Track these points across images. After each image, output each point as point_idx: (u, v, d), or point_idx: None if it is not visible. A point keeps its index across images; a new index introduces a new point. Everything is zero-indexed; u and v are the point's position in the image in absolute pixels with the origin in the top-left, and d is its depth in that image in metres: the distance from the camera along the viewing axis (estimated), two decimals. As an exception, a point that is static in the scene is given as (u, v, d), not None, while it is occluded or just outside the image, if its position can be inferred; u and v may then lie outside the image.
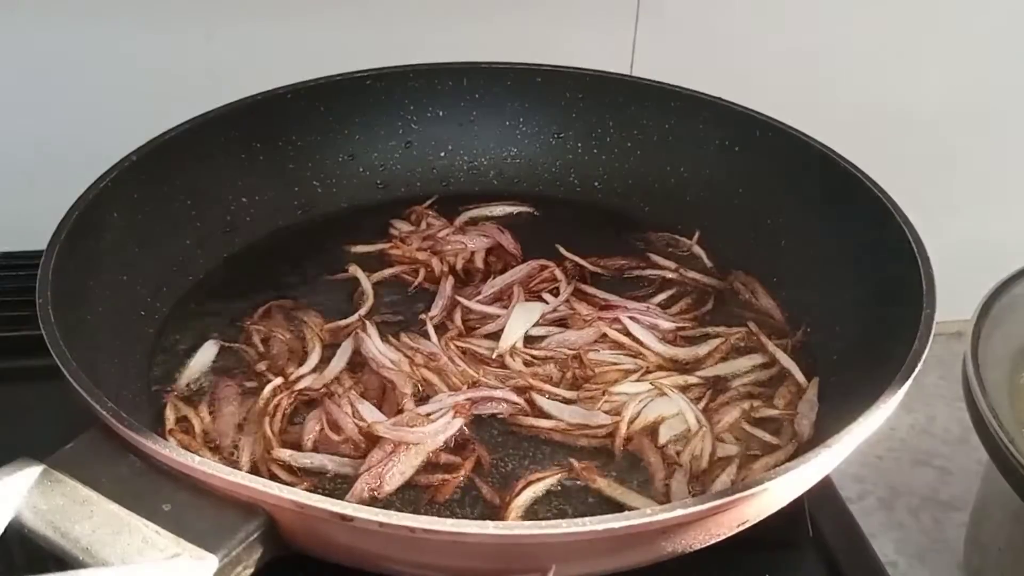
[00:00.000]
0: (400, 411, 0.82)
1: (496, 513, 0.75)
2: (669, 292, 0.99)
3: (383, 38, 1.14)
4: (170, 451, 0.63)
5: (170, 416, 0.82)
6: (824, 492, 0.89)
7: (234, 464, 0.78)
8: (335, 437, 0.79)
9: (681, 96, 1.07)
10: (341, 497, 0.74)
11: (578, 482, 0.77)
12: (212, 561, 0.59)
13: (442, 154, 1.14)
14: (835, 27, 1.20)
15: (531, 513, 0.75)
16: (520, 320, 0.92)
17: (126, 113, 1.01)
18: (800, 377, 0.88)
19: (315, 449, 0.79)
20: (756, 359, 0.91)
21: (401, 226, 1.07)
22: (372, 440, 0.79)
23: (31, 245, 0.93)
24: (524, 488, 0.76)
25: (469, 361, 0.88)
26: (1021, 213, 1.31)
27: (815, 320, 0.94)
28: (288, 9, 1.11)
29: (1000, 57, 1.24)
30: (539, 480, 0.76)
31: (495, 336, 0.92)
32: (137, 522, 0.61)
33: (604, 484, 0.77)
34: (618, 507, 0.76)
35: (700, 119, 1.07)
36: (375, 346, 0.88)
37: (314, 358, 0.88)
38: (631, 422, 0.82)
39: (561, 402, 0.85)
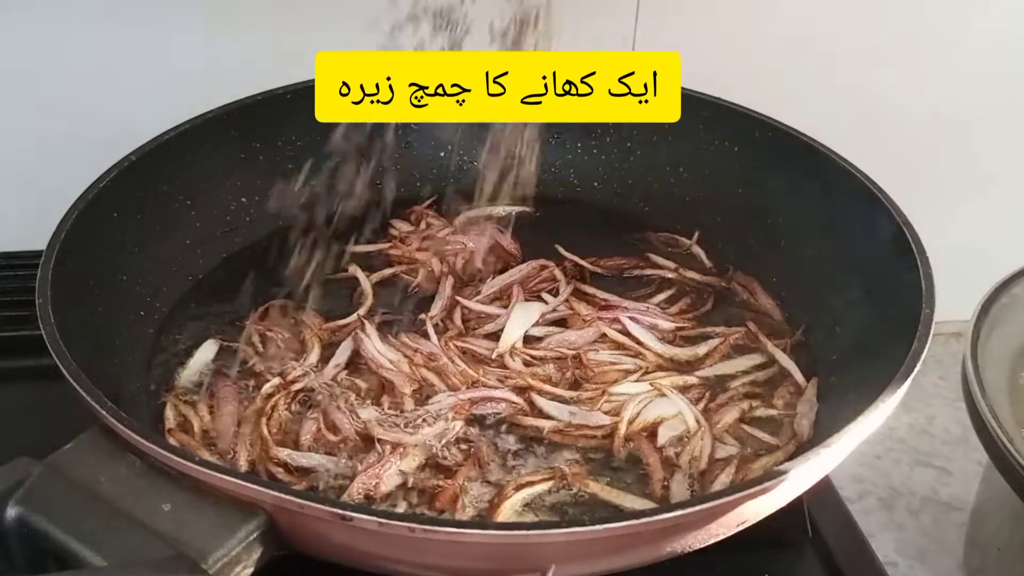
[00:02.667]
0: (399, 411, 0.82)
1: (489, 514, 0.75)
2: (669, 292, 0.99)
3: (382, 37, 1.14)
4: (170, 451, 0.63)
5: (170, 416, 0.82)
6: (824, 492, 0.89)
7: (233, 463, 0.78)
8: (333, 437, 0.79)
9: (681, 96, 1.07)
10: (340, 497, 0.74)
11: (571, 488, 0.77)
12: (212, 561, 0.59)
13: (442, 154, 1.14)
14: (835, 27, 1.20)
15: (530, 513, 0.75)
16: (520, 320, 0.92)
17: (126, 113, 1.01)
18: (799, 377, 0.88)
19: (313, 449, 0.79)
20: (755, 359, 0.91)
21: (401, 226, 1.07)
22: (370, 440, 0.79)
23: (31, 245, 0.93)
24: (513, 492, 0.75)
25: (469, 361, 0.88)
26: (1021, 213, 1.31)
27: (815, 320, 0.94)
28: (288, 9, 1.11)
29: (1000, 57, 1.24)
30: (528, 485, 0.76)
31: (495, 336, 0.92)
32: (137, 522, 0.61)
33: (597, 488, 0.77)
34: (615, 508, 0.76)
35: (700, 119, 1.07)
36: (374, 346, 0.88)
37: (313, 358, 0.88)
38: (631, 422, 0.82)
39: (561, 402, 0.85)
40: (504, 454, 0.80)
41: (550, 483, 0.77)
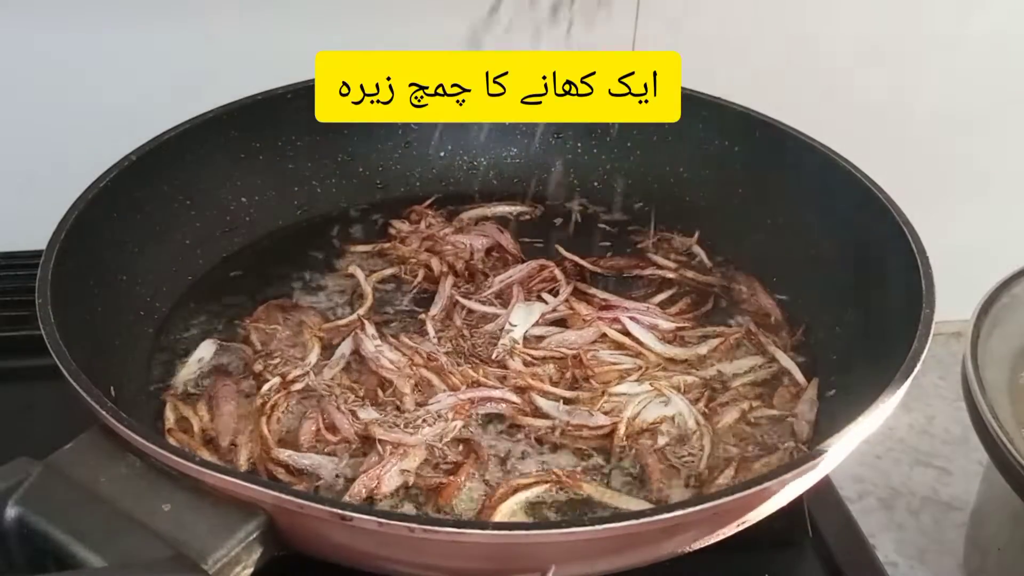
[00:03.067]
0: (399, 411, 0.82)
1: (483, 517, 0.74)
2: (669, 292, 0.99)
3: (382, 37, 1.14)
4: (169, 451, 0.63)
5: (169, 416, 0.82)
6: (824, 492, 0.89)
7: (233, 463, 0.78)
8: (332, 438, 0.79)
9: (681, 96, 1.07)
10: (340, 497, 0.74)
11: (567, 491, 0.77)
12: (211, 561, 0.59)
13: (442, 154, 1.14)
14: (835, 27, 1.20)
15: (529, 513, 0.75)
16: (520, 320, 0.92)
17: (126, 113, 1.01)
18: (799, 377, 0.88)
19: (313, 449, 0.79)
20: (756, 359, 0.91)
21: (401, 226, 1.07)
22: (370, 440, 0.79)
23: (31, 245, 0.93)
24: (509, 495, 0.75)
25: (469, 361, 0.88)
26: (1021, 213, 1.31)
27: (815, 320, 0.94)
28: (288, 9, 1.11)
29: (1000, 57, 1.24)
30: (522, 488, 0.76)
31: (495, 336, 0.91)
32: (137, 522, 0.61)
33: (592, 490, 0.77)
34: (611, 510, 0.76)
35: (700, 119, 1.07)
36: (374, 346, 0.88)
37: (312, 358, 0.88)
38: (630, 423, 0.82)
39: (560, 402, 0.85)
40: (504, 454, 0.80)
41: (544, 486, 0.77)
